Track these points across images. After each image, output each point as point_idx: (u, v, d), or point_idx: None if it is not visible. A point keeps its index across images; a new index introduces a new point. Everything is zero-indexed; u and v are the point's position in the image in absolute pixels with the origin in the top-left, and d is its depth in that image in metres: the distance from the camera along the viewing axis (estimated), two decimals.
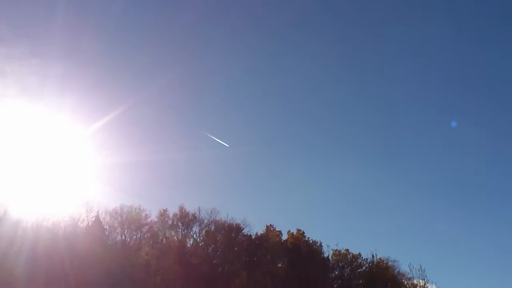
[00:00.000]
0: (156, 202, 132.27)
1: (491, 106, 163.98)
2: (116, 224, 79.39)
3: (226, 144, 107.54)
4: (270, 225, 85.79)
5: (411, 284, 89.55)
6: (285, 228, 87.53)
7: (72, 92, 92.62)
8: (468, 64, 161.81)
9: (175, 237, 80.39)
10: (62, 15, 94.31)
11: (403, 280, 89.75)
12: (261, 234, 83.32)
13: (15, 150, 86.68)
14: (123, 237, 79.16)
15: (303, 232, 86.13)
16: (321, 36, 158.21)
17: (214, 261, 79.47)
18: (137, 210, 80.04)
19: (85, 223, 77.95)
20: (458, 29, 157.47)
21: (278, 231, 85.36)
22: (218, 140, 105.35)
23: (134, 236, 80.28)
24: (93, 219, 78.02)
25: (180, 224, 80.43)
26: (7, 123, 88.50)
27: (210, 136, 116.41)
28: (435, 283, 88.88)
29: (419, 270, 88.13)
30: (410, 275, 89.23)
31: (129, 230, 79.31)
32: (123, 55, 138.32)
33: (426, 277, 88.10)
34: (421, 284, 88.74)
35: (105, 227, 78.93)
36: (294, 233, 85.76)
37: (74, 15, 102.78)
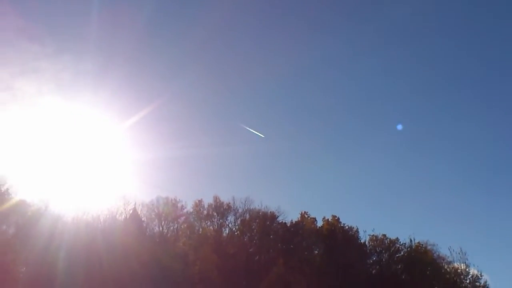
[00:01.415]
0: (191, 195, 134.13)
1: None
2: (153, 216, 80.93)
3: (261, 135, 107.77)
4: (305, 212, 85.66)
5: (452, 267, 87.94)
6: (320, 215, 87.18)
7: (105, 88, 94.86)
8: None
9: (211, 227, 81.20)
10: (96, 12, 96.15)
11: (443, 264, 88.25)
12: (296, 222, 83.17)
13: (53, 147, 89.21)
14: (160, 228, 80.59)
15: (338, 218, 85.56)
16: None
17: (250, 250, 79.95)
18: (172, 202, 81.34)
19: (123, 216, 79.71)
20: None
21: (312, 218, 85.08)
22: (253, 130, 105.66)
23: (171, 228, 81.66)
24: (131, 212, 79.60)
25: (215, 214, 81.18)
26: (44, 119, 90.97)
27: (245, 127, 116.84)
28: (477, 267, 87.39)
29: (459, 253, 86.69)
30: (450, 259, 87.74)
31: (165, 222, 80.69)
32: (155, 50, 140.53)
33: (467, 260, 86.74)
34: (462, 267, 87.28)
35: (142, 219, 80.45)
36: (330, 220, 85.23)
37: (107, 11, 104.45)
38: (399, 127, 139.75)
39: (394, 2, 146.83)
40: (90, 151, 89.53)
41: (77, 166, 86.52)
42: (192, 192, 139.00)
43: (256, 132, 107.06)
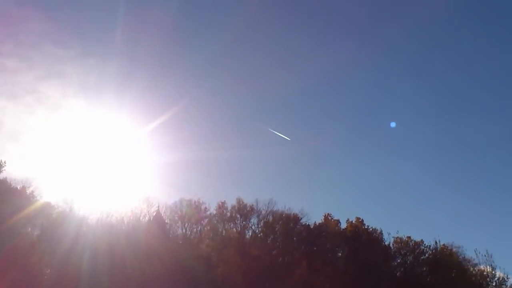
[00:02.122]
0: (214, 197, 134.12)
1: None
2: (176, 218, 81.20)
3: (287, 138, 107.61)
4: (328, 214, 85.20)
5: (478, 270, 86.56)
6: (343, 217, 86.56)
7: (129, 91, 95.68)
8: None
9: (234, 229, 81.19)
10: (121, 16, 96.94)
11: (469, 266, 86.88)
12: (319, 224, 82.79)
13: (77, 149, 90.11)
14: (184, 231, 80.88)
15: (362, 220, 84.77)
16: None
17: (274, 252, 79.69)
18: (196, 204, 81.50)
19: (146, 218, 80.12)
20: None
21: (336, 220, 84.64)
22: (279, 133, 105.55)
23: (195, 229, 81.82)
24: (154, 214, 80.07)
25: (238, 216, 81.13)
26: (69, 122, 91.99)
27: (271, 130, 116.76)
28: (503, 269, 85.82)
29: (485, 256, 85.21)
30: (476, 261, 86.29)
31: (189, 224, 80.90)
32: (179, 54, 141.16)
33: (494, 262, 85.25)
34: (488, 270, 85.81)
35: (165, 221, 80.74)
36: (353, 222, 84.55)
37: (131, 16, 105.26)
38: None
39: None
40: (114, 154, 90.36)
41: (101, 169, 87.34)
42: (215, 195, 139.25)
43: (282, 135, 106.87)
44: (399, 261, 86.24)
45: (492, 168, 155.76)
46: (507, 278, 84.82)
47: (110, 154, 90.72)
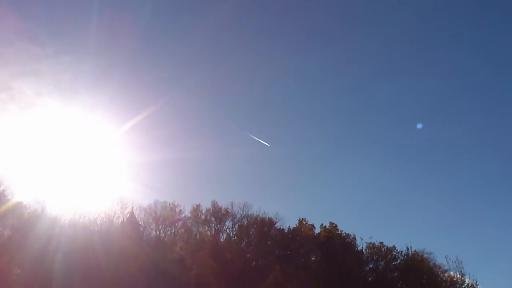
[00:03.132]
0: (189, 199, 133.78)
1: None
2: (150, 220, 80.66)
3: (266, 144, 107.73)
4: (303, 218, 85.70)
5: (448, 276, 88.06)
6: (318, 222, 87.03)
7: (105, 90, 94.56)
8: None
9: (208, 232, 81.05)
10: (95, 14, 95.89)
11: (439, 273, 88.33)
12: (293, 228, 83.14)
13: (51, 148, 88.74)
14: (158, 233, 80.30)
15: (336, 225, 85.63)
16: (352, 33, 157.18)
17: (248, 255, 79.71)
18: (170, 206, 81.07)
19: (120, 219, 79.33)
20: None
21: (310, 224, 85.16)
22: (258, 139, 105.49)
23: (168, 232, 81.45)
24: (128, 215, 79.38)
25: (213, 219, 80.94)
26: (42, 120, 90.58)
27: (251, 135, 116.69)
28: (473, 276, 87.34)
29: (455, 262, 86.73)
30: (446, 267, 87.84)
31: (163, 226, 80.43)
32: (155, 54, 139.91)
33: (463, 269, 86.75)
34: (457, 276, 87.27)
35: (139, 223, 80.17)
36: (327, 226, 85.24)
37: (107, 14, 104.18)
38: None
39: None
40: (88, 154, 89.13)
41: (75, 169, 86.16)
42: (190, 196, 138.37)
43: (262, 141, 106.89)
44: (371, 266, 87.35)
45: (465, 175, 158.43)
46: (476, 285, 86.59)
47: (84, 154, 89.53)
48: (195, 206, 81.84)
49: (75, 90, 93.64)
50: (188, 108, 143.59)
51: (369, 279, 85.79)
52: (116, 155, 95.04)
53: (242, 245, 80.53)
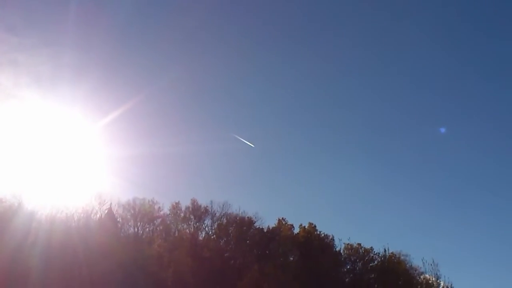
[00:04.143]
0: (168, 195, 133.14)
1: None
2: (129, 217, 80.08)
3: (251, 145, 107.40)
4: (282, 218, 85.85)
5: (424, 278, 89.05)
6: (297, 222, 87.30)
7: (84, 83, 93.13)
8: None
9: (187, 230, 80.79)
10: (75, 6, 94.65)
11: (415, 275, 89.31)
12: (273, 228, 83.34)
13: (29, 142, 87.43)
14: (136, 229, 79.85)
15: (315, 226, 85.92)
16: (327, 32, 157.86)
17: (226, 254, 79.65)
18: (150, 203, 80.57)
19: (98, 215, 78.59)
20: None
21: (290, 224, 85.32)
22: (243, 140, 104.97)
23: (147, 229, 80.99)
24: (106, 211, 78.64)
25: (192, 217, 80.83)
26: (20, 113, 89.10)
27: (236, 136, 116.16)
28: (448, 279, 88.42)
29: (431, 265, 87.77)
30: (422, 270, 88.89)
31: (141, 223, 79.97)
32: (136, 47, 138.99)
33: (439, 271, 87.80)
34: (433, 279, 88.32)
35: (118, 219, 79.60)
36: (306, 227, 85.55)
37: (87, 5, 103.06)
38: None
39: None
40: (67, 147, 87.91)
41: (53, 162, 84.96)
42: (169, 192, 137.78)
43: (246, 142, 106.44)
44: (348, 267, 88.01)
45: (442, 178, 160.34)
46: (451, 287, 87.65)
47: (62, 147, 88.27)
48: (174, 204, 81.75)
49: (55, 82, 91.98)
50: (168, 103, 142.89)
51: (346, 280, 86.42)
52: (95, 149, 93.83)
53: (221, 243, 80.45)
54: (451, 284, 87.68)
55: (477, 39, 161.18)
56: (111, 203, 79.01)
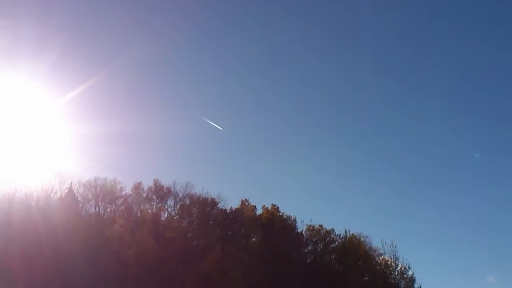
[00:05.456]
0: (131, 175, 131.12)
1: None
2: (90, 196, 78.59)
3: (220, 127, 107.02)
4: (245, 199, 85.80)
5: (383, 259, 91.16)
6: (260, 203, 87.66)
7: (45, 58, 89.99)
8: None
9: (149, 210, 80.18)
10: None
11: (375, 256, 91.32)
12: (236, 209, 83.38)
13: None
14: (97, 209, 78.55)
15: (278, 207, 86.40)
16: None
17: (189, 235, 79.49)
18: (111, 183, 79.38)
19: (58, 194, 77.11)
20: None
21: (253, 205, 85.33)
22: (211, 123, 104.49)
23: (108, 209, 79.67)
24: (66, 190, 77.15)
25: (154, 197, 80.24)
26: None
27: (204, 119, 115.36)
28: (406, 260, 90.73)
29: (390, 246, 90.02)
30: (381, 251, 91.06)
31: (103, 203, 78.66)
32: (99, 21, 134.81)
33: (397, 253, 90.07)
34: (391, 260, 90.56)
35: (78, 199, 78.21)
36: (269, 208, 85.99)
37: None
38: None
39: None
40: (27, 124, 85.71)
41: (12, 140, 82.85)
42: (131, 171, 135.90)
43: (215, 124, 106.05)
44: (310, 248, 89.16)
45: (406, 162, 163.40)
46: (408, 268, 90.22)
47: (22, 124, 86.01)
48: (137, 184, 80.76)
49: (14, 56, 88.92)
50: (133, 80, 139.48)
51: (308, 260, 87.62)
52: (56, 126, 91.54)
53: (184, 224, 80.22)
54: (409, 265, 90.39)
55: None
56: (71, 182, 77.48)
